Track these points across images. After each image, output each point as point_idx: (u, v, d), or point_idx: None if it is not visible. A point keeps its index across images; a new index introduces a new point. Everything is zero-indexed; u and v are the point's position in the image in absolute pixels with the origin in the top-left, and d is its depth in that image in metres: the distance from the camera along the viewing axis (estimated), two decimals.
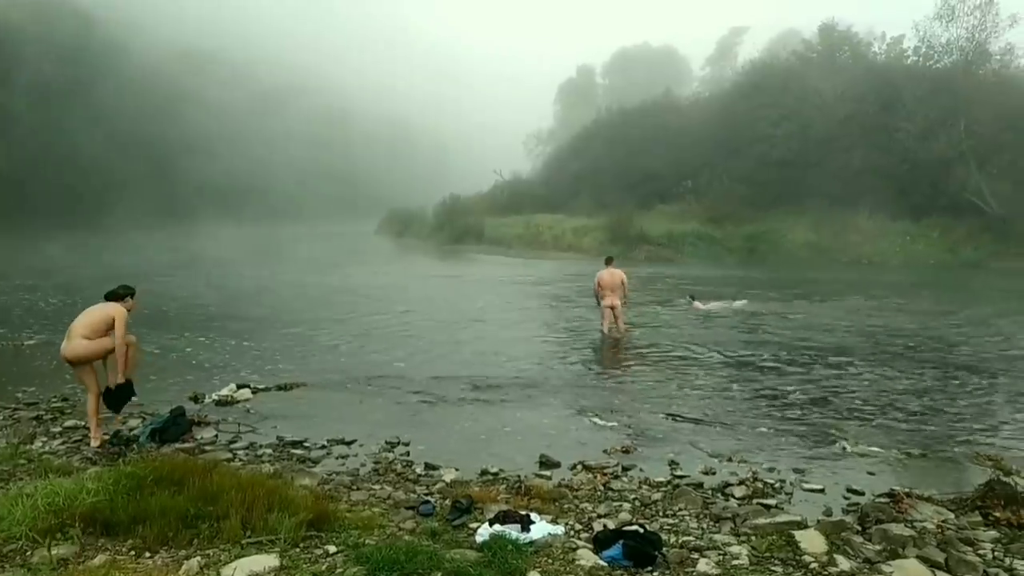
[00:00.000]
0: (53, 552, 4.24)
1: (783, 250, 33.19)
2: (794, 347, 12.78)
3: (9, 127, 47.71)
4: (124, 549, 4.37)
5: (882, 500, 5.62)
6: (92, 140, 54.30)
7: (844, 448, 7.22)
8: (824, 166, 35.99)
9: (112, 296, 7.14)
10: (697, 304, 17.56)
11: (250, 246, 41.99)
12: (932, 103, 34.83)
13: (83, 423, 7.44)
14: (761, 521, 5.14)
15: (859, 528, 5.12)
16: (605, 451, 7.06)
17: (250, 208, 64.06)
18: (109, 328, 6.92)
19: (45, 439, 7.13)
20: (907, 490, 5.78)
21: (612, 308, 13.67)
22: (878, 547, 4.77)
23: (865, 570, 4.48)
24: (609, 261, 14.22)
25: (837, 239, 33.72)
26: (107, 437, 7.07)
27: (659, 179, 42.00)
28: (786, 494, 5.95)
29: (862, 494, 5.94)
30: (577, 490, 5.95)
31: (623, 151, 44.93)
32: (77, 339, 6.82)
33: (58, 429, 7.51)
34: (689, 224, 36.81)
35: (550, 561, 4.47)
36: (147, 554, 4.33)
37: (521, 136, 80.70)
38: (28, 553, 4.27)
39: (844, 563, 4.53)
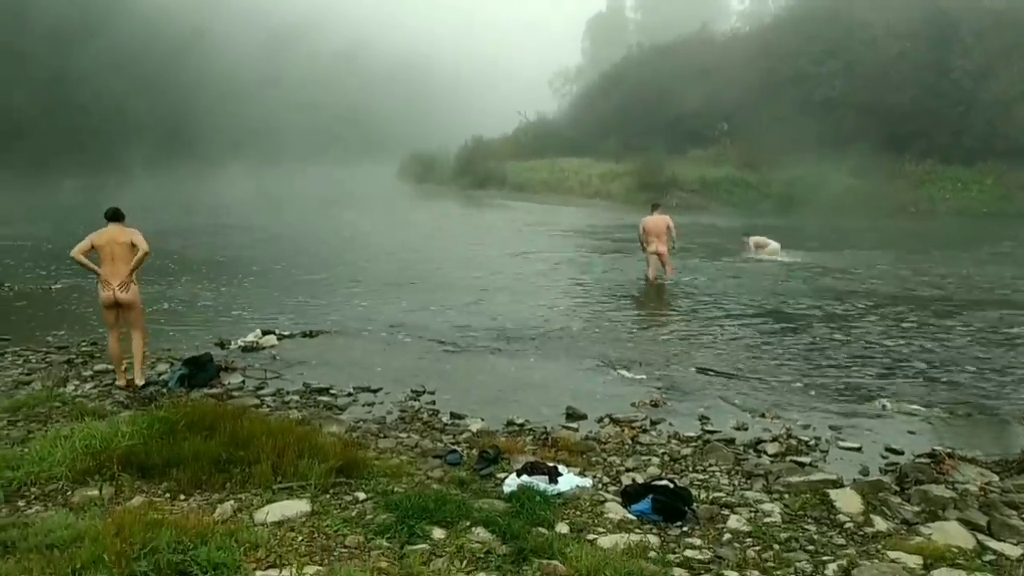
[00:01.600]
0: (92, 493, 4.32)
1: (823, 197, 31.75)
2: (833, 300, 12.48)
3: (27, 71, 47.68)
4: (159, 491, 4.45)
5: (922, 460, 5.49)
6: (108, 83, 54.09)
7: (883, 406, 7.05)
8: (870, 107, 34.32)
9: (116, 217, 7.11)
10: (751, 240, 17.35)
11: (267, 190, 42.00)
12: (993, 38, 32.80)
13: (112, 367, 7.45)
14: (795, 479, 5.06)
15: (897, 489, 5.02)
16: (633, 404, 6.98)
17: (266, 150, 63.79)
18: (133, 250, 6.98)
19: (77, 383, 7.25)
20: (949, 450, 5.63)
21: (658, 255, 13.57)
22: (917, 508, 4.68)
23: (903, 531, 4.40)
24: (655, 207, 14.13)
25: (882, 185, 32.28)
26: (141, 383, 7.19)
27: (693, 121, 40.32)
28: (821, 452, 5.84)
29: (901, 454, 5.80)
30: (605, 443, 5.91)
31: (655, 91, 43.24)
32: (123, 284, 6.95)
33: (89, 373, 7.61)
34: (723, 169, 35.67)
35: (578, 513, 4.46)
36: (182, 496, 4.40)
37: (547, 75, 78.60)
38: (69, 493, 4.35)
39: (881, 524, 4.46)
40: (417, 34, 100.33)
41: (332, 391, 7.19)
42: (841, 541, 4.22)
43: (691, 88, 40.65)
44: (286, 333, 9.51)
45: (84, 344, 8.90)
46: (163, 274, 13.88)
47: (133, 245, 6.94)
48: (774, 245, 17.58)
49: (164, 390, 6.97)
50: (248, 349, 8.74)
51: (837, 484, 4.99)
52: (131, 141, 52.15)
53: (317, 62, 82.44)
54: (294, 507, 4.20)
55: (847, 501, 4.72)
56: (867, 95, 34.94)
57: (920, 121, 33.18)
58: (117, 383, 7.10)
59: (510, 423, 6.37)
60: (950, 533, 4.30)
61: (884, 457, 5.79)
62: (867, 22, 36.40)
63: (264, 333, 9.24)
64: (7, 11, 48.10)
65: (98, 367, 7.77)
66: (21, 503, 4.24)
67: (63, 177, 41.00)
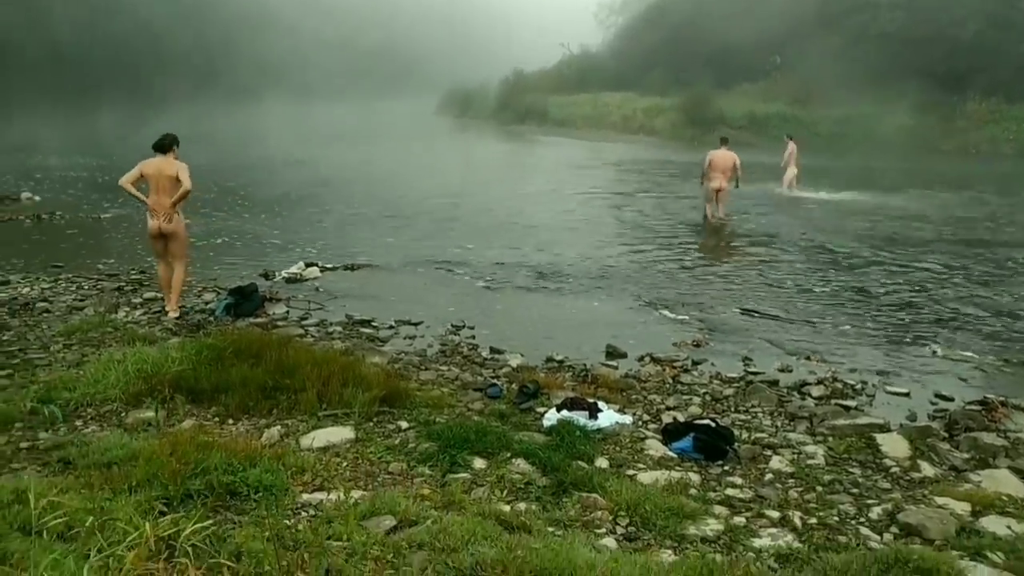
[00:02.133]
0: (145, 415, 4.45)
1: (878, 136, 30.47)
2: (885, 243, 12.13)
3: (72, 4, 47.73)
4: (209, 415, 4.56)
5: (973, 408, 5.35)
6: (147, 15, 53.92)
7: (934, 352, 6.86)
8: (930, 41, 32.43)
9: (164, 148, 7.04)
10: (791, 145, 17.44)
11: (306, 123, 41.92)
12: None
13: (161, 294, 7.59)
14: (840, 422, 4.98)
15: (946, 435, 4.91)
16: (675, 344, 6.92)
17: (304, 84, 63.40)
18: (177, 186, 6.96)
19: (127, 309, 7.42)
20: (1002, 398, 5.47)
21: (718, 191, 13.44)
22: (966, 455, 4.57)
23: (951, 478, 4.31)
24: (724, 141, 13.90)
25: (941, 125, 30.81)
26: (183, 309, 7.33)
27: (742, 54, 38.53)
28: (867, 396, 5.73)
29: (951, 400, 5.66)
30: (645, 382, 5.88)
31: (704, 21, 41.58)
32: (169, 213, 6.99)
33: (139, 300, 7.80)
34: (774, 105, 34.49)
35: (618, 449, 4.48)
36: (230, 421, 4.51)
37: (591, 6, 76.12)
38: (123, 414, 4.50)
39: (928, 469, 4.38)
40: None
41: (374, 323, 7.26)
42: (886, 485, 4.16)
43: (742, 19, 38.96)
44: (329, 266, 9.60)
45: (133, 272, 9.12)
46: (210, 207, 14.06)
47: (178, 179, 6.92)
48: (793, 169, 17.53)
49: (211, 318, 7.10)
50: (292, 280, 8.85)
51: (884, 428, 4.90)
52: (170, 73, 52.26)
53: None
54: (339, 434, 4.28)
55: (894, 446, 4.64)
56: (927, 28, 33.04)
57: (983, 56, 31.31)
58: (167, 310, 7.23)
59: (549, 359, 6.37)
60: (1000, 481, 4.21)
61: (933, 403, 5.66)
62: None
63: (307, 265, 9.34)
64: None
65: (147, 294, 7.96)
66: (79, 423, 4.39)
67: (104, 108, 41.39)
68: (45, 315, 7.06)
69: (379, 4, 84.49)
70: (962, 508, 3.80)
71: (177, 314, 7.18)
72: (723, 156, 13.48)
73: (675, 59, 41.15)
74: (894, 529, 3.60)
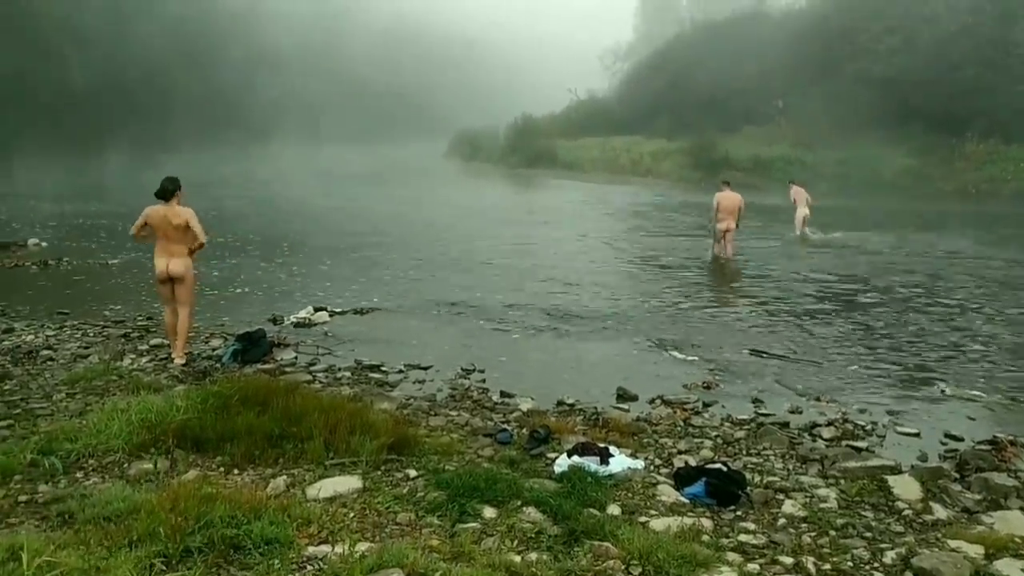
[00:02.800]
0: (147, 466, 4.41)
1: (880, 177, 30.74)
2: (891, 282, 12.12)
3: (84, 45, 48.68)
4: (214, 465, 4.51)
5: (983, 447, 5.30)
6: (164, 56, 54.94)
7: (942, 391, 6.82)
8: (930, 85, 32.89)
9: (166, 194, 6.96)
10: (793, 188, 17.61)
11: (316, 167, 42.42)
12: None
13: (167, 341, 7.54)
14: (851, 464, 4.92)
15: (957, 476, 4.85)
16: (685, 386, 6.89)
17: (314, 128, 64.31)
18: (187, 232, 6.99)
19: (133, 356, 7.41)
20: (1011, 437, 5.42)
21: (726, 232, 13.91)
22: (978, 496, 4.51)
23: (964, 520, 4.24)
24: (727, 184, 14.41)
25: (941, 166, 31.05)
26: (190, 356, 7.33)
27: (747, 98, 39.11)
28: (878, 437, 5.68)
29: (961, 440, 5.60)
30: (656, 425, 5.83)
31: (709, 67, 42.24)
32: (176, 257, 7.03)
33: (145, 347, 7.79)
34: (778, 148, 34.81)
35: (630, 495, 4.40)
36: (235, 471, 4.45)
37: (598, 51, 77.42)
38: (125, 465, 4.44)
39: (941, 511, 4.31)
40: (467, 11, 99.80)
41: (383, 368, 7.25)
42: (899, 528, 4.09)
43: (745, 65, 39.67)
44: (338, 310, 9.62)
45: (140, 318, 9.14)
46: (217, 250, 14.16)
47: (187, 227, 6.94)
48: (804, 210, 17.42)
49: (218, 365, 7.10)
50: (300, 325, 8.88)
51: (895, 470, 4.85)
52: (180, 117, 53.04)
53: (366, 39, 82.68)
54: (346, 483, 4.22)
55: (905, 488, 4.57)
56: (926, 72, 33.44)
57: (982, 99, 31.63)
58: (174, 358, 7.19)
59: (560, 403, 6.33)
60: (1013, 523, 4.15)
61: (943, 443, 5.60)
62: None
63: (316, 310, 9.38)
64: None
65: (153, 341, 7.96)
66: (79, 474, 4.33)
67: (116, 152, 41.97)
68: (49, 363, 7.05)
69: (390, 49, 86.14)
70: (975, 551, 3.73)
71: (183, 361, 7.14)
72: (729, 198, 13.97)
73: (680, 103, 41.69)
74: (908, 574, 3.53)
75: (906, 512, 4.31)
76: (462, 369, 7.28)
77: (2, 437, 4.94)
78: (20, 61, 42.70)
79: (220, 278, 11.97)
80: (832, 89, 35.82)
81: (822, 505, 4.35)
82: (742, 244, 14.72)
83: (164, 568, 3.02)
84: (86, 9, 49.99)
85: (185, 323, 7.21)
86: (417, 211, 23.16)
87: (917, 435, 5.75)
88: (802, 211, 17.35)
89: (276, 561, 3.17)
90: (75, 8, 48.99)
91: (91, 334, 8.33)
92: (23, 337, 8.09)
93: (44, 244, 15.11)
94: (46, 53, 44.94)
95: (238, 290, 11.35)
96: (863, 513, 4.28)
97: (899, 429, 5.85)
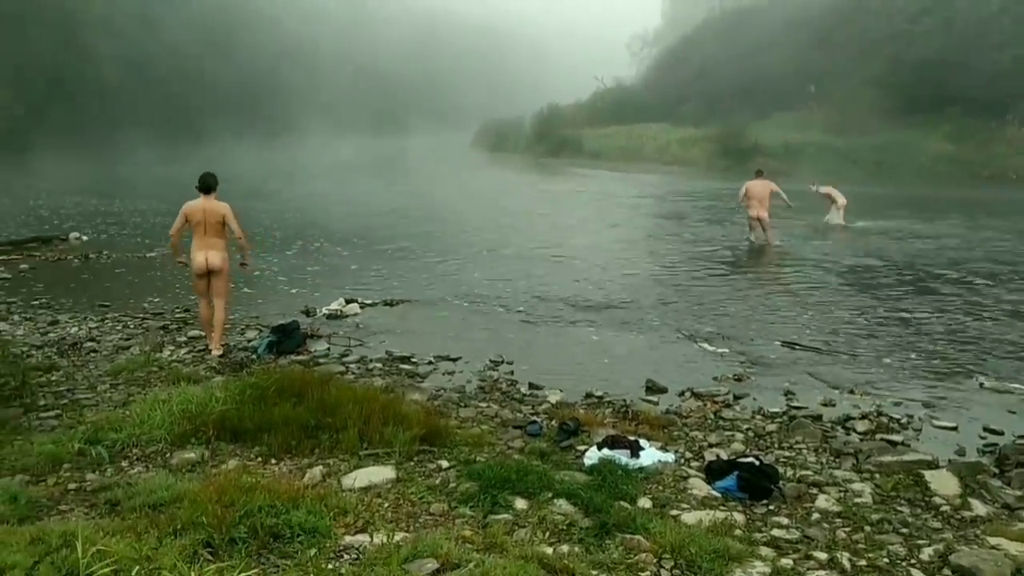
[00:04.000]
0: (189, 455, 4.54)
1: (916, 163, 30.10)
2: (927, 272, 11.92)
3: (113, 39, 49.36)
4: (252, 455, 4.62)
5: None
6: (193, 49, 55.48)
7: (981, 384, 6.69)
8: (969, 67, 31.96)
9: (208, 189, 7.21)
10: (822, 190, 17.25)
11: (346, 159, 42.65)
12: None
13: (203, 334, 7.76)
14: (887, 458, 4.86)
15: (997, 471, 4.77)
16: (715, 378, 6.86)
17: (344, 119, 64.53)
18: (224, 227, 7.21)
19: (172, 348, 7.57)
20: None
21: (759, 219, 14.01)
22: (1019, 492, 4.43)
23: (1004, 516, 4.18)
24: (759, 173, 14.52)
25: (979, 151, 30.26)
26: (227, 347, 7.48)
27: (777, 83, 38.40)
28: (914, 431, 5.61)
29: (1001, 434, 5.50)
30: (686, 417, 5.82)
31: (738, 52, 41.66)
32: (214, 250, 7.20)
33: (183, 339, 7.96)
34: (809, 134, 34.16)
35: (661, 488, 4.42)
36: (273, 461, 4.55)
37: (625, 38, 76.67)
38: (168, 455, 4.58)
39: (980, 508, 4.25)
40: (496, 2, 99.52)
41: (413, 359, 7.32)
42: (937, 525, 4.05)
43: (776, 49, 38.95)
44: (369, 302, 9.73)
45: (178, 311, 9.32)
46: (253, 243, 14.35)
47: (224, 223, 7.16)
48: (842, 200, 17.11)
49: (254, 356, 7.23)
50: (333, 317, 8.99)
51: (932, 465, 4.78)
52: (208, 110, 53.59)
53: (394, 31, 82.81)
54: (380, 473, 4.30)
55: (943, 483, 4.51)
56: (965, 54, 32.58)
57: (1022, 81, 30.81)
58: (211, 349, 7.36)
59: (589, 395, 6.35)
60: None
61: (982, 437, 5.51)
62: None
63: (348, 301, 9.48)
64: None
65: (191, 333, 8.12)
66: (124, 464, 4.48)
67: (144, 146, 42.56)
68: (92, 355, 7.25)
69: (417, 40, 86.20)
70: (1016, 549, 3.67)
71: (220, 352, 7.29)
72: (759, 185, 14.07)
73: (709, 90, 41.16)
74: (947, 571, 3.49)
75: (944, 508, 4.25)
76: (490, 361, 7.33)
77: (51, 426, 5.12)
78: (52, 56, 43.49)
79: (253, 270, 12.09)
80: (867, 72, 35.05)
81: (857, 500, 4.32)
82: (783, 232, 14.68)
83: (210, 557, 3.10)
84: (118, 5, 50.67)
85: (221, 316, 7.36)
86: (443, 203, 23.23)
87: (955, 429, 5.66)
88: (839, 200, 17.07)
89: (314, 550, 3.25)
90: (108, 5, 49.70)
91: (131, 326, 8.53)
92: (67, 329, 8.32)
93: (85, 238, 15.43)
94: (80, 49, 45.66)
95: (271, 283, 11.50)
96: (899, 508, 4.24)
97: (936, 423, 5.77)
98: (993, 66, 31.66)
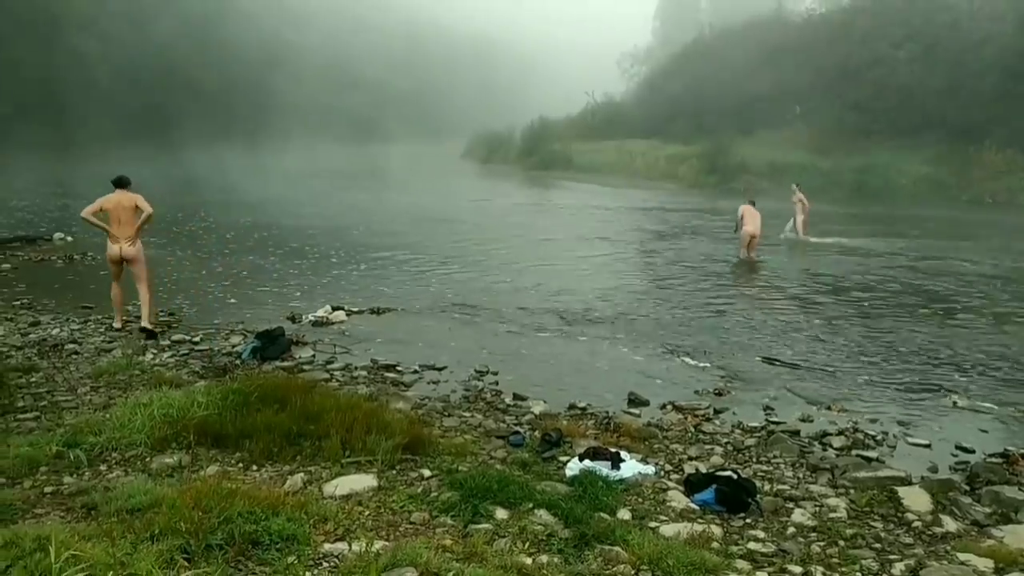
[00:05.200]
0: (169, 460, 4.52)
1: (896, 185, 30.71)
2: (904, 291, 12.11)
3: (109, 49, 49.24)
4: (233, 461, 4.60)
5: (994, 460, 5.32)
6: (181, 53, 55.30)
7: (954, 402, 6.82)
8: (949, 93, 32.72)
9: (122, 183, 8.30)
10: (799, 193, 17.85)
11: (334, 167, 42.58)
12: None
13: (189, 337, 7.97)
14: (861, 474, 4.95)
15: (967, 488, 4.87)
16: (696, 392, 6.94)
17: (332, 128, 64.49)
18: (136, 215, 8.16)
19: (155, 351, 7.54)
20: (1023, 451, 5.44)
21: (753, 236, 14.88)
22: (988, 510, 4.53)
23: (973, 533, 4.27)
24: (752, 203, 15.46)
25: (959, 175, 30.87)
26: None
27: (764, 103, 39.03)
28: (888, 447, 5.71)
29: (972, 452, 5.62)
30: (667, 430, 5.88)
31: (726, 72, 42.17)
32: (127, 241, 8.20)
33: (166, 342, 7.93)
34: (794, 154, 34.64)
35: (640, 500, 4.46)
36: (254, 467, 4.54)
37: (615, 55, 77.29)
38: (147, 459, 4.55)
39: (951, 524, 4.33)
40: (485, 14, 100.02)
41: (399, 368, 7.34)
42: (909, 540, 4.12)
43: (763, 70, 39.54)
44: (355, 309, 9.72)
45: (162, 314, 9.26)
46: (234, 248, 14.33)
47: (137, 208, 8.09)
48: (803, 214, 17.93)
49: (238, 361, 7.21)
50: (318, 324, 8.99)
51: (905, 481, 4.87)
52: (198, 116, 53.33)
53: (386, 41, 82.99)
54: (362, 482, 4.30)
55: (915, 499, 4.60)
56: (946, 80, 33.31)
57: (1001, 108, 31.53)
58: (114, 325, 8.35)
59: (572, 406, 6.39)
60: (1023, 537, 4.15)
61: (954, 455, 5.63)
62: (948, 4, 34.78)
63: (334, 308, 9.48)
64: None
65: (175, 337, 8.11)
66: (103, 467, 4.44)
67: (131, 149, 42.29)
68: (74, 357, 7.20)
69: (409, 50, 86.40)
70: (985, 565, 3.76)
71: (150, 326, 8.14)
72: (752, 211, 15.03)
73: (697, 108, 41.58)
74: None
75: (916, 524, 4.33)
76: (476, 371, 7.36)
77: (29, 429, 5.07)
78: (45, 60, 43.29)
79: (240, 276, 12.09)
80: (850, 96, 35.76)
81: (832, 515, 4.39)
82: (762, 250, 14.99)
83: (186, 563, 3.09)
84: (109, 9, 50.55)
85: (146, 295, 8.33)
86: (433, 212, 23.25)
87: (928, 446, 5.77)
88: (799, 216, 17.87)
89: (293, 558, 3.25)
90: (99, 8, 49.57)
91: (114, 328, 8.45)
92: (49, 330, 8.26)
93: (69, 239, 15.28)
94: (70, 52, 45.47)
95: (256, 289, 11.46)
96: (873, 524, 4.31)
97: (909, 440, 5.88)
98: (973, 93, 32.42)
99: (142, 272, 8.31)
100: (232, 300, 10.35)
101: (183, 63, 55.20)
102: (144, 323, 8.21)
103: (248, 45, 63.75)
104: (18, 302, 9.82)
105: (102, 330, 8.37)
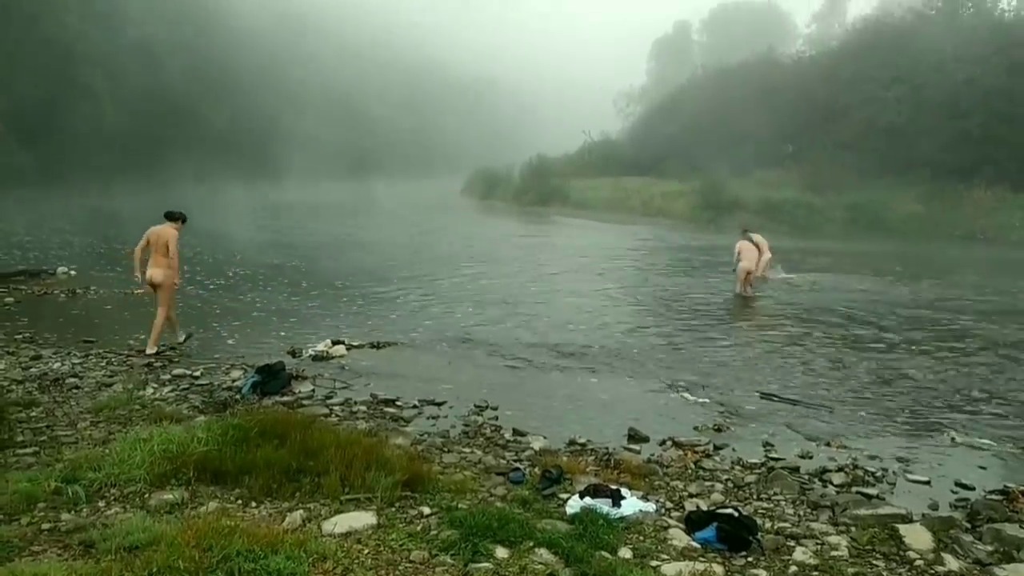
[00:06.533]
0: (168, 497, 4.49)
1: (888, 222, 31.14)
2: (900, 327, 12.15)
3: (117, 83, 49.79)
4: (232, 498, 4.58)
5: (994, 497, 5.31)
6: (192, 94, 55.99)
7: (952, 439, 6.83)
8: (938, 133, 33.37)
9: (169, 217, 9.29)
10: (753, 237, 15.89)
11: (337, 202, 42.87)
12: None
13: (190, 371, 7.99)
14: (862, 512, 4.94)
15: (969, 526, 4.86)
16: (696, 428, 6.94)
17: (335, 164, 65.03)
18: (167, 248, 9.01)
19: (156, 386, 7.53)
20: (1023, 488, 5.42)
21: (749, 272, 14.86)
22: (990, 548, 4.52)
23: (976, 571, 4.25)
24: (746, 232, 15.53)
25: (949, 212, 31.38)
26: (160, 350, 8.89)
27: (756, 143, 39.79)
28: (888, 484, 5.70)
29: (972, 489, 5.62)
30: (667, 467, 5.87)
31: (719, 112, 42.96)
32: (157, 268, 9.01)
33: (167, 377, 7.92)
34: (787, 191, 35.08)
35: (641, 538, 4.44)
36: (253, 504, 4.52)
37: (612, 95, 78.53)
38: (146, 496, 4.52)
39: (953, 563, 4.32)
40: (487, 55, 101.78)
41: (398, 403, 7.34)
42: None
43: (755, 110, 40.23)
44: (355, 344, 9.72)
45: (163, 348, 9.25)
46: (238, 282, 14.36)
47: (167, 246, 8.96)
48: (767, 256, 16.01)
49: (238, 396, 7.20)
50: (318, 358, 8.98)
51: (906, 519, 4.87)
52: (199, 149, 53.73)
53: (389, 80, 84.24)
54: (361, 519, 4.28)
55: (917, 537, 4.59)
56: (934, 120, 34.02)
57: (989, 148, 32.22)
58: (180, 340, 9.35)
59: (572, 442, 6.38)
60: None
61: (954, 492, 5.62)
62: (935, 48, 35.52)
63: (334, 343, 9.48)
64: (107, 28, 50.55)
65: (176, 371, 8.10)
66: (101, 503, 4.41)
67: (135, 185, 42.55)
68: (75, 391, 7.19)
69: (414, 88, 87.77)
70: None
71: (152, 351, 8.79)
72: (748, 246, 14.98)
73: (691, 146, 42.22)
74: None
75: (918, 562, 4.31)
76: (475, 406, 7.36)
77: (28, 464, 5.05)
78: (50, 93, 43.69)
79: (239, 310, 12.10)
80: (840, 135, 36.39)
81: (833, 553, 4.37)
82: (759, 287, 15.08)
83: None
84: (119, 46, 51.24)
85: (160, 319, 9.02)
86: (433, 248, 23.36)
87: (927, 483, 5.76)
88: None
89: None
90: (108, 45, 50.26)
91: (115, 362, 8.48)
92: (50, 364, 8.25)
93: (72, 272, 15.29)
94: (79, 87, 45.95)
95: (257, 322, 11.48)
96: (874, 562, 4.29)
97: (909, 476, 5.87)
98: (961, 132, 33.11)
99: (163, 298, 9.08)
100: (232, 334, 10.36)
101: (191, 100, 55.77)
102: (148, 348, 8.92)
103: (256, 84, 64.60)
104: (20, 336, 9.81)
105: (103, 364, 8.36)
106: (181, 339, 9.43)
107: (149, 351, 8.80)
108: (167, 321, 9.17)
